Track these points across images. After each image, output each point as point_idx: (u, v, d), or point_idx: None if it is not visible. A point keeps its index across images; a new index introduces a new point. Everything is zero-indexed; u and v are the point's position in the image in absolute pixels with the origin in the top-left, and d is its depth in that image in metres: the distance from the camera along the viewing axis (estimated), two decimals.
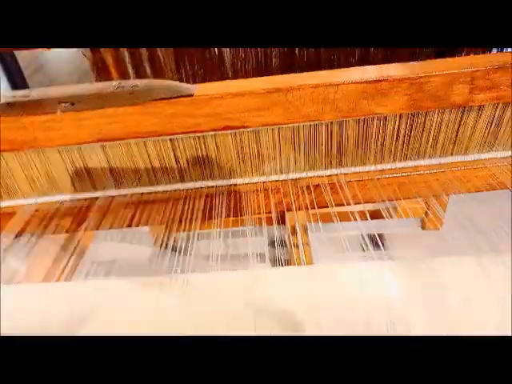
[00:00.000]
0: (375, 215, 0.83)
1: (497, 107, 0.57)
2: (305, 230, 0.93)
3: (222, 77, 0.76)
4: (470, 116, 0.57)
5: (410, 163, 0.62)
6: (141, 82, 0.52)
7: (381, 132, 0.58)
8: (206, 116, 0.54)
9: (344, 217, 0.60)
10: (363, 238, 0.59)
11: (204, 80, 0.77)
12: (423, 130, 0.58)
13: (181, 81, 0.76)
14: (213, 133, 0.56)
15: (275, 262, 0.92)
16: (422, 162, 0.62)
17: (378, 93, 0.53)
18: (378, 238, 0.60)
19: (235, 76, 0.75)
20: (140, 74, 0.75)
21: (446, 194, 0.63)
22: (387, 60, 0.74)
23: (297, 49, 0.72)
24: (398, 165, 0.62)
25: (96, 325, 0.39)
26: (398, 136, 0.59)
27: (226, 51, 0.73)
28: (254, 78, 0.56)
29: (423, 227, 1.47)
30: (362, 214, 0.61)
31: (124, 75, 0.74)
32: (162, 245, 0.58)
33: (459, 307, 0.39)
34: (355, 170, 0.62)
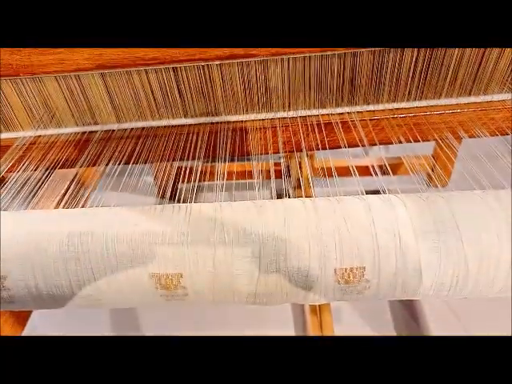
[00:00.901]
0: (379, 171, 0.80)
1: None
2: (309, 184, 0.92)
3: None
4: (492, 51, 0.53)
5: (426, 102, 0.59)
6: None
7: (397, 66, 0.55)
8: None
9: (346, 172, 0.58)
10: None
11: None
12: (442, 65, 0.55)
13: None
14: (218, 62, 0.53)
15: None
16: (439, 102, 0.59)
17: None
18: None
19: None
20: None
21: (464, 133, 0.60)
22: None
23: None
24: (414, 104, 0.59)
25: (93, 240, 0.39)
26: (414, 71, 0.55)
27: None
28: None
29: (429, 184, 1.45)
30: (366, 170, 0.58)
31: None
32: (164, 195, 0.57)
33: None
34: (368, 108, 0.59)
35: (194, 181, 0.56)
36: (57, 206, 0.57)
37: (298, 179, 1.18)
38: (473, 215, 0.39)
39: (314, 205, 0.41)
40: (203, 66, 0.54)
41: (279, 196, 0.56)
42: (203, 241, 0.38)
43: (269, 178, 0.60)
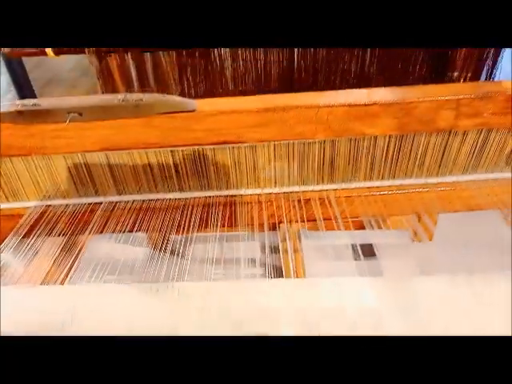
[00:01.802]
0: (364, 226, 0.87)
1: (481, 132, 0.60)
2: (297, 236, 0.97)
3: (223, 86, 0.79)
4: (455, 139, 0.61)
5: (398, 181, 0.65)
6: (145, 97, 0.55)
7: (371, 151, 0.61)
8: (206, 131, 0.57)
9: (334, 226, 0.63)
10: (354, 247, 0.62)
11: (206, 90, 0.80)
12: (411, 151, 0.62)
13: (183, 90, 0.80)
14: (211, 146, 0.59)
15: (266, 267, 0.95)
16: (409, 181, 0.65)
17: (368, 115, 0.56)
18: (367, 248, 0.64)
19: (235, 86, 0.78)
20: (143, 82, 0.78)
21: (430, 213, 0.66)
22: (381, 81, 0.77)
23: (295, 62, 0.75)
24: (386, 183, 0.65)
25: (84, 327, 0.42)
26: (387, 155, 0.62)
27: (227, 63, 0.76)
28: (252, 96, 0.59)
29: (413, 239, 1.50)
30: (354, 224, 0.64)
31: (128, 83, 0.77)
32: (158, 247, 0.62)
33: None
34: (345, 186, 0.65)
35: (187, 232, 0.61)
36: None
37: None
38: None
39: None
40: (198, 149, 0.60)
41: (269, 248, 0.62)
42: None
43: (261, 230, 0.65)
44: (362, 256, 0.80)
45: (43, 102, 0.55)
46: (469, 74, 0.75)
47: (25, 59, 1.46)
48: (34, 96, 1.40)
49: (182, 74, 0.77)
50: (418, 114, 0.56)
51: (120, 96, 0.55)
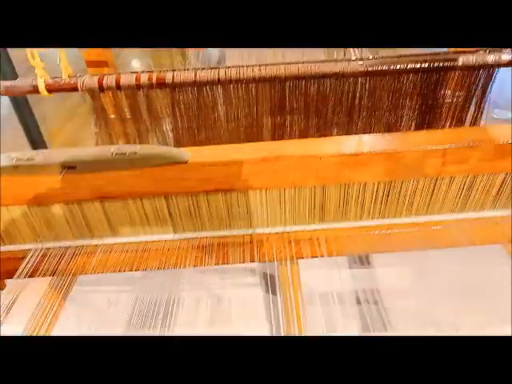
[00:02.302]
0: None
1: (467, 176, 0.61)
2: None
3: (215, 120, 0.80)
4: (443, 182, 0.62)
5: (387, 221, 0.67)
6: (139, 150, 0.56)
7: (361, 194, 0.63)
8: (199, 180, 0.58)
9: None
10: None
11: (198, 124, 0.80)
12: (399, 194, 0.63)
13: (176, 124, 0.80)
14: (205, 193, 0.61)
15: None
16: (397, 221, 0.67)
17: (357, 163, 0.58)
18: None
19: (227, 121, 0.79)
20: (136, 117, 0.78)
21: (420, 249, 0.67)
22: (369, 125, 0.78)
23: (287, 98, 0.76)
24: (375, 222, 0.67)
25: None
26: (376, 198, 0.63)
27: (220, 98, 0.77)
28: (245, 144, 0.60)
29: None
30: None
31: (122, 119, 0.78)
32: None
33: None
34: (335, 225, 0.67)
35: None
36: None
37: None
38: None
39: None
40: (192, 195, 0.61)
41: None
42: None
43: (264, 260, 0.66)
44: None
45: (38, 156, 0.56)
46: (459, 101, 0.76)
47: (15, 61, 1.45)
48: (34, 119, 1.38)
49: (174, 108, 0.78)
50: (406, 162, 0.58)
51: (113, 148, 0.56)
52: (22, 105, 1.22)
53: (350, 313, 0.86)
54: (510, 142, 0.56)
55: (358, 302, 0.90)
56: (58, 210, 0.62)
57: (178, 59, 1.05)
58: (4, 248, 0.67)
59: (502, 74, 0.73)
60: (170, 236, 0.67)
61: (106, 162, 0.56)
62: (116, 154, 0.55)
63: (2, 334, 0.61)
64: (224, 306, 0.92)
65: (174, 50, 1.06)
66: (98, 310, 0.94)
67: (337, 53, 0.87)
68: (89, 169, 0.57)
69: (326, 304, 0.84)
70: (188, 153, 0.57)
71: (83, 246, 0.67)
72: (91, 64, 0.91)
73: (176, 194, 0.60)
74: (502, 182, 0.62)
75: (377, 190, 0.62)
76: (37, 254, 0.66)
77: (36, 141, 1.33)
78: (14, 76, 1.42)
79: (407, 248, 0.68)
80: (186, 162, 0.57)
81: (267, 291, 0.94)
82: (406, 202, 0.64)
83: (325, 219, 0.66)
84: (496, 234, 0.67)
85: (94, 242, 0.67)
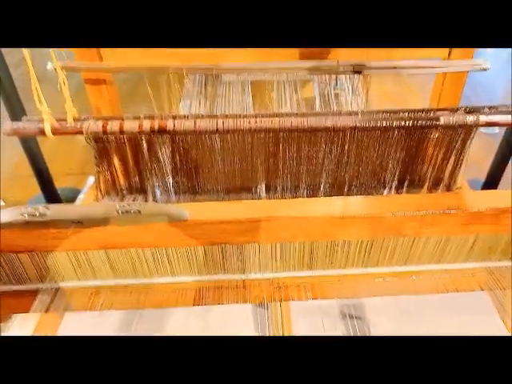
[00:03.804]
0: None
1: (443, 236, 0.67)
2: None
3: (212, 165, 0.84)
4: (420, 239, 0.68)
5: (369, 270, 0.72)
6: (143, 208, 0.60)
7: (345, 248, 0.68)
8: (197, 235, 0.63)
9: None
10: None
11: (196, 167, 0.85)
12: (381, 248, 0.69)
13: (175, 167, 0.85)
14: (202, 247, 0.66)
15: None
16: (380, 270, 0.72)
17: (342, 224, 0.63)
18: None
19: (224, 167, 0.84)
20: (138, 161, 0.83)
21: (397, 295, 0.73)
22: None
23: (280, 146, 0.81)
24: (359, 271, 0.72)
25: None
26: (360, 251, 0.69)
27: (217, 145, 0.81)
28: (239, 202, 0.66)
29: None
30: None
31: (124, 163, 0.82)
32: None
33: None
34: (322, 273, 0.72)
35: None
36: None
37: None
38: None
39: None
40: (190, 246, 0.66)
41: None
42: None
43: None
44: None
45: (49, 212, 0.60)
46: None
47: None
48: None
49: (174, 152, 0.82)
50: (387, 224, 0.63)
51: (119, 206, 0.60)
52: (33, 148, 1.29)
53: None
54: (481, 210, 0.62)
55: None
56: (63, 256, 0.67)
57: (176, 87, 1.09)
58: (11, 287, 0.72)
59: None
60: (168, 279, 0.72)
61: (111, 218, 0.60)
62: (121, 212, 0.60)
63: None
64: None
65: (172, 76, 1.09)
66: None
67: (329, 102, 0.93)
68: (95, 224, 0.61)
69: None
70: (187, 211, 0.62)
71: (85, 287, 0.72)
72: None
73: (175, 246, 0.65)
74: (475, 241, 0.68)
75: (360, 245, 0.68)
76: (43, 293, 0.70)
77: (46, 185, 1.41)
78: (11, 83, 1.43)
79: (390, 293, 0.74)
80: (186, 220, 0.61)
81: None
82: (387, 255, 0.70)
83: (312, 267, 0.72)
84: (471, 283, 0.73)
85: (97, 282, 0.72)
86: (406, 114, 0.77)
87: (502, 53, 3.27)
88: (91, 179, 1.29)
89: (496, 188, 1.81)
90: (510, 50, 3.26)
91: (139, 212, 0.60)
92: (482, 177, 1.77)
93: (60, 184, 1.85)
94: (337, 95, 1.04)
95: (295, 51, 1.08)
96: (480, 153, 1.94)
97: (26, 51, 0.69)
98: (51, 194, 1.82)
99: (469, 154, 0.83)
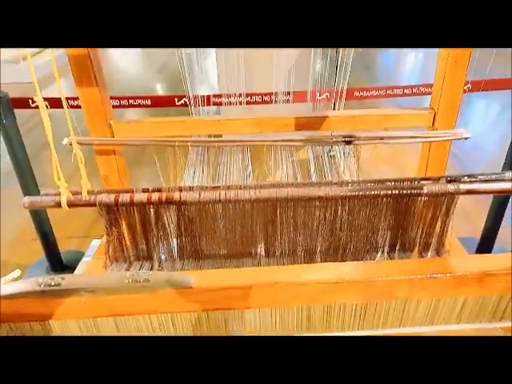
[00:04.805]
0: None
1: (432, 299, 0.71)
2: None
3: (215, 234, 0.90)
4: (411, 304, 0.72)
5: (365, 332, 0.75)
6: (151, 277, 0.65)
7: (341, 312, 0.72)
8: (201, 301, 0.67)
9: None
10: None
11: (200, 234, 0.91)
12: (375, 311, 0.72)
13: (180, 234, 0.90)
14: (205, 312, 0.69)
15: None
16: (375, 333, 0.75)
17: (337, 289, 0.67)
18: None
19: (226, 233, 0.90)
20: (145, 228, 0.89)
21: None
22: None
23: (278, 214, 0.87)
24: (355, 333, 0.75)
25: None
26: (355, 314, 0.73)
27: (219, 214, 0.88)
28: (240, 270, 0.70)
29: None
30: None
31: (133, 230, 0.88)
32: None
33: None
34: (320, 334, 0.75)
35: None
36: None
37: None
38: None
39: None
40: (194, 312, 0.70)
41: None
42: None
43: None
44: None
45: (64, 282, 0.65)
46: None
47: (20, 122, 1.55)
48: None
49: (179, 220, 0.88)
50: (379, 289, 0.67)
51: (129, 275, 0.65)
52: (40, 214, 1.36)
53: None
54: (465, 273, 0.67)
55: None
56: (73, 323, 0.70)
57: (181, 158, 1.17)
58: None
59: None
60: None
61: (121, 287, 0.65)
62: (131, 281, 0.65)
63: None
64: None
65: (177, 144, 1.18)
66: None
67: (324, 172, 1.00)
68: (106, 293, 0.66)
69: None
70: (193, 279, 0.67)
71: None
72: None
73: (180, 312, 0.69)
74: (463, 303, 0.72)
75: (355, 309, 0.71)
76: None
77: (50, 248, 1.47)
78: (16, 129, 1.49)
79: None
80: (191, 288, 0.66)
81: None
82: (382, 318, 0.74)
83: (310, 330, 0.75)
84: None
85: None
86: (392, 183, 0.85)
87: (488, 116, 3.46)
88: (94, 242, 1.34)
89: (492, 246, 1.86)
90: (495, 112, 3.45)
91: (148, 281, 0.65)
92: (479, 235, 1.83)
93: (63, 246, 1.91)
94: (331, 158, 1.12)
95: (291, 121, 1.18)
96: (476, 210, 2.02)
97: (48, 129, 0.78)
98: (54, 258, 1.86)
99: (453, 220, 0.89)
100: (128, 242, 0.91)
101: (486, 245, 1.84)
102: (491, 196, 1.76)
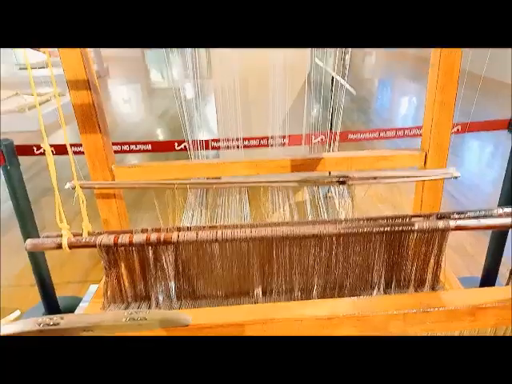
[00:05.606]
0: None
1: (427, 333, 0.72)
2: None
3: (212, 273, 0.91)
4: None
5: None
6: (148, 315, 0.66)
7: None
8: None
9: None
10: None
11: (198, 273, 0.92)
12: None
13: (177, 273, 0.92)
14: None
15: None
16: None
17: (332, 324, 0.68)
18: None
19: (223, 272, 0.91)
20: (144, 267, 0.90)
21: None
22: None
23: (274, 252, 0.89)
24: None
25: None
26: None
27: (217, 252, 0.90)
28: (237, 307, 0.71)
29: None
30: None
31: (131, 272, 0.90)
32: None
33: None
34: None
35: None
36: None
37: None
38: None
39: None
40: None
41: None
42: None
43: None
44: None
45: (63, 321, 0.66)
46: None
47: (23, 168, 1.58)
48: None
49: (177, 260, 0.90)
50: (373, 323, 0.68)
51: (127, 313, 0.67)
52: (39, 259, 1.38)
53: None
54: (457, 307, 0.68)
55: None
56: None
57: (180, 200, 1.21)
58: None
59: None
60: None
61: (119, 325, 0.66)
62: (129, 320, 0.66)
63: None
64: None
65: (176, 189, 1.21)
66: None
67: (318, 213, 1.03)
68: (104, 331, 0.66)
69: None
70: (190, 317, 0.68)
71: None
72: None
73: None
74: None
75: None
76: None
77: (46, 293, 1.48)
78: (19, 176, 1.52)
79: None
80: (187, 326, 0.67)
81: None
82: None
83: None
84: None
85: None
86: (385, 220, 0.87)
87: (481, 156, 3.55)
88: (92, 288, 1.34)
89: (493, 284, 1.85)
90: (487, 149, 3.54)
91: (145, 319, 0.66)
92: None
93: (60, 292, 1.90)
94: (328, 199, 1.16)
95: (287, 162, 1.23)
96: (477, 248, 2.03)
97: (53, 174, 0.82)
98: (51, 303, 1.85)
99: (446, 256, 0.91)
100: (126, 283, 0.92)
101: (487, 283, 1.83)
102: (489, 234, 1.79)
